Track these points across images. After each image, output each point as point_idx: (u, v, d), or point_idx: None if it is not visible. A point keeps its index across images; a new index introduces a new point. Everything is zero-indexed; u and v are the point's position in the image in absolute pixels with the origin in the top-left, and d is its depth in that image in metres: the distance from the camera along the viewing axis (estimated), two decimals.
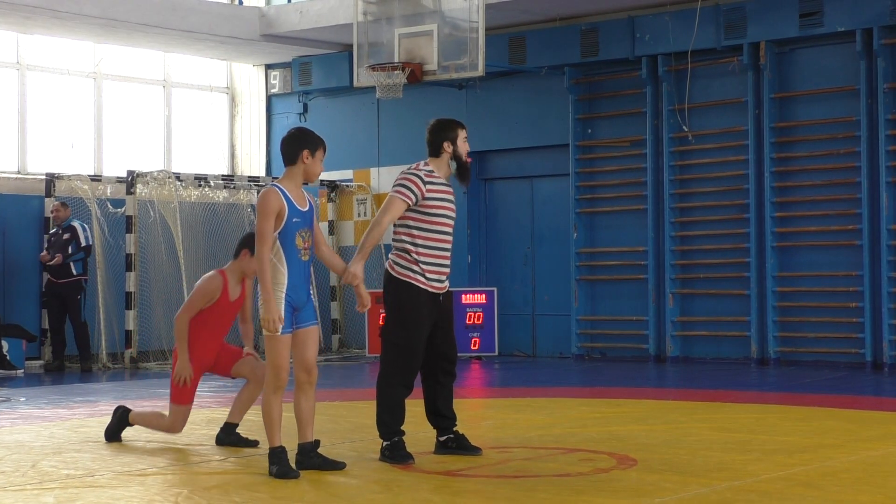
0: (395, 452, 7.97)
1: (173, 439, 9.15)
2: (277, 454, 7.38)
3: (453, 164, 8.36)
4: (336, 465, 7.54)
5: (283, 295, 7.25)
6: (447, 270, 8.19)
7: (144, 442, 9.07)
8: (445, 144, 8.38)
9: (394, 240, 8.20)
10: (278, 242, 7.24)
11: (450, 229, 8.19)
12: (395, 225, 8.17)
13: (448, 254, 8.18)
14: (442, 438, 8.29)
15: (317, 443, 7.64)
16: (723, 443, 8.75)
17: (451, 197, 8.27)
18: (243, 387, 8.94)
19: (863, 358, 14.76)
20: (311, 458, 7.52)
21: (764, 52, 15.45)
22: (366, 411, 11.27)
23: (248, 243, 8.46)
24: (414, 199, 8.03)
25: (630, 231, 16.73)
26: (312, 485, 7.26)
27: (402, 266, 8.13)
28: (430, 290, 8.04)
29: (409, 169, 8.28)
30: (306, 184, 7.55)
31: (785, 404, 11.25)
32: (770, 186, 15.52)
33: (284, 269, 7.27)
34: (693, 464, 7.79)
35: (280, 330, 7.22)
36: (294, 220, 7.28)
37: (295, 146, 7.41)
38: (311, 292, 7.65)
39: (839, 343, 15.16)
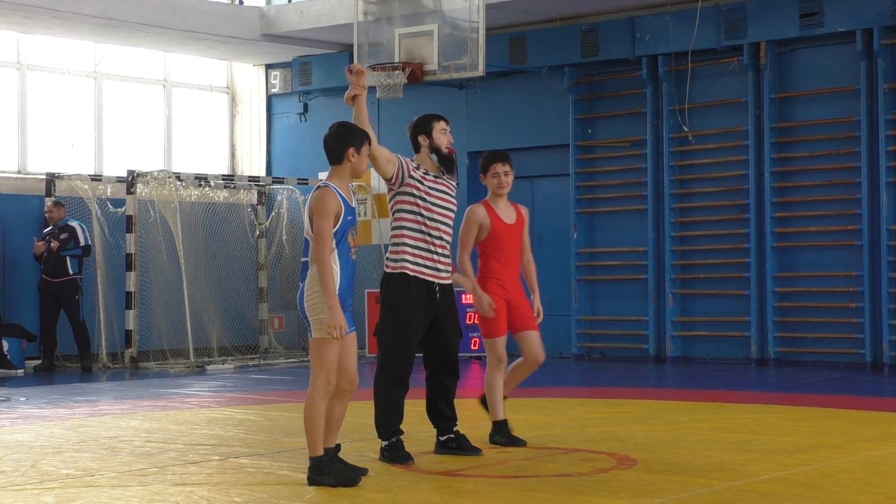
0: (393, 453, 7.97)
1: (172, 439, 9.15)
2: (323, 462, 7.09)
3: (434, 157, 8.28)
4: (357, 472, 7.25)
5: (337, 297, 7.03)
6: (444, 260, 8.19)
7: (143, 442, 9.08)
8: (421, 139, 8.39)
9: (391, 238, 8.27)
10: (332, 242, 7.07)
11: (445, 219, 8.20)
12: (392, 227, 8.23)
13: (443, 244, 8.18)
14: (442, 438, 8.29)
15: (338, 447, 7.50)
16: (723, 443, 8.76)
17: (443, 188, 8.24)
18: (514, 365, 8.86)
19: (863, 358, 14.76)
20: (334, 462, 7.23)
21: (764, 52, 15.46)
22: (365, 411, 11.27)
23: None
24: (399, 171, 8.12)
25: (630, 231, 16.73)
26: (310, 486, 7.26)
27: (392, 259, 8.23)
28: (420, 276, 8.06)
29: None
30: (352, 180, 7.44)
31: (785, 404, 11.25)
32: (770, 187, 15.53)
33: (338, 269, 7.10)
34: (693, 464, 7.81)
35: (343, 335, 6.96)
36: (348, 217, 7.16)
37: (340, 144, 7.26)
38: None
39: (839, 343, 15.17)
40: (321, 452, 7.06)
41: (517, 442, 8.48)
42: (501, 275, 8.66)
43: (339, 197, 7.09)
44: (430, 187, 8.16)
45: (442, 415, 8.26)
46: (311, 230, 7.08)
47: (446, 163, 8.35)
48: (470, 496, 6.79)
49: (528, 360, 8.77)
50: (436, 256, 8.15)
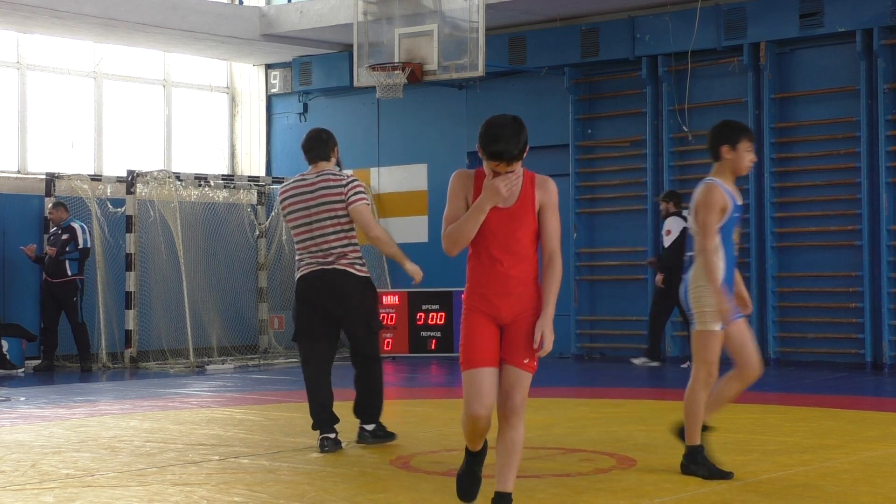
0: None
1: (172, 438, 9.16)
2: (698, 452, 7.18)
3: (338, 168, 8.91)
4: (727, 474, 7.16)
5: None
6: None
7: (143, 441, 9.09)
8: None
9: (342, 245, 8.55)
10: (717, 236, 7.26)
11: None
12: (338, 230, 8.51)
13: None
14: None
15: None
16: (722, 443, 8.74)
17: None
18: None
19: (863, 358, 14.77)
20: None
21: (764, 52, 15.47)
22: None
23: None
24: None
25: (630, 231, 16.74)
26: (310, 485, 7.27)
27: (360, 264, 8.71)
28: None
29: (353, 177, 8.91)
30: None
31: (784, 405, 11.27)
32: (770, 187, 15.54)
33: (721, 264, 7.27)
34: None
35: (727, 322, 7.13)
36: (734, 214, 7.36)
37: (714, 141, 7.51)
38: None
39: (839, 343, 15.17)
40: (698, 442, 7.20)
41: None
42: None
43: (726, 193, 7.36)
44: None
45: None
46: (696, 224, 7.34)
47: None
48: None
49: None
50: None
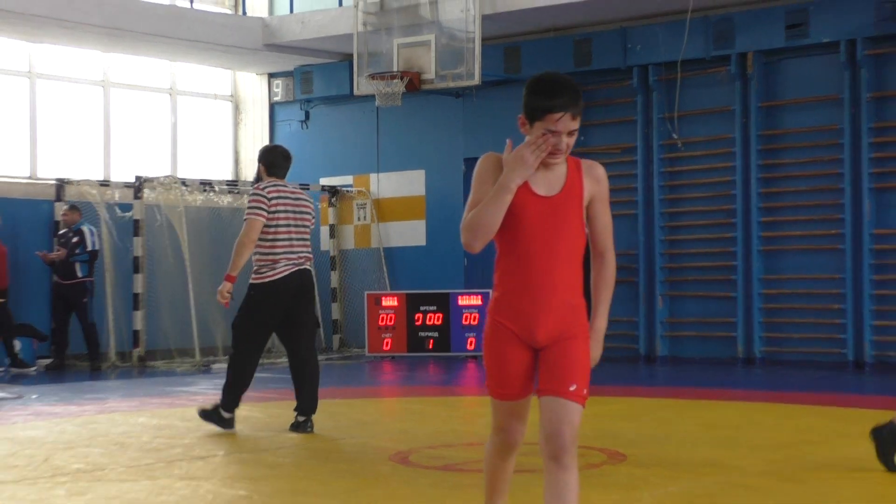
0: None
1: (179, 435, 9.19)
2: None
3: None
4: None
5: None
6: None
7: (151, 437, 9.11)
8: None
9: (307, 252, 9.47)
10: None
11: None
12: (306, 238, 9.43)
13: None
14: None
15: None
16: (709, 439, 8.81)
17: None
18: None
19: (845, 357, 14.82)
20: None
21: (751, 62, 15.52)
22: (366, 408, 11.34)
23: None
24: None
25: (621, 235, 16.69)
26: (311, 480, 7.31)
27: (309, 269, 9.72)
28: None
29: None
30: None
31: (770, 402, 11.29)
32: (756, 192, 15.59)
33: None
34: (681, 459, 7.85)
35: None
36: None
37: None
38: None
39: (822, 343, 15.22)
40: None
41: None
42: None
43: None
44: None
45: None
46: None
47: None
48: (467, 489, 6.82)
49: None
50: None
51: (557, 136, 4.22)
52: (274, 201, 9.20)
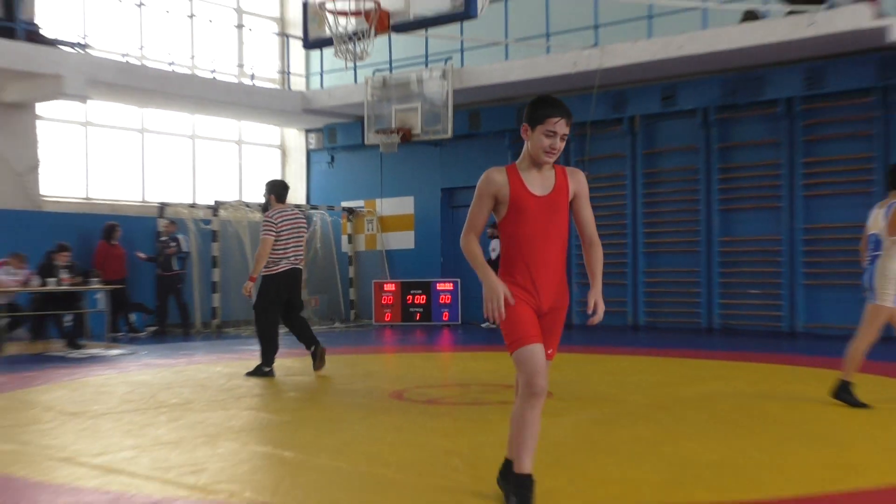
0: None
1: (243, 380, 9.16)
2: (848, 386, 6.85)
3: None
4: None
5: None
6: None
7: (225, 381, 9.09)
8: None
9: (302, 255, 9.55)
10: None
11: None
12: (301, 245, 9.56)
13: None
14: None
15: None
16: (609, 381, 8.84)
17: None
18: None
19: (702, 324, 14.89)
20: None
21: (638, 122, 15.58)
22: (373, 361, 11.35)
23: None
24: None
25: None
26: (334, 409, 7.26)
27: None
28: None
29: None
30: None
31: (650, 356, 11.30)
32: (641, 212, 15.66)
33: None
34: (590, 395, 7.88)
35: None
36: None
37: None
38: None
39: (686, 315, 15.27)
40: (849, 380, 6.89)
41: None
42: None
43: None
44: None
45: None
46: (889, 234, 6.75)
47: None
48: (444, 418, 6.85)
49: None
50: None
51: (553, 137, 4.01)
52: (280, 224, 9.38)
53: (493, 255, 14.92)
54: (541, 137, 4.03)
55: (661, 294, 15.56)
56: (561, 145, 3.99)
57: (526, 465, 4.03)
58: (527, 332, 3.97)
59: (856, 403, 6.89)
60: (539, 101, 4.06)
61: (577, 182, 4.14)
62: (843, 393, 6.95)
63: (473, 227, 4.10)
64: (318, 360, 9.53)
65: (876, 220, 6.94)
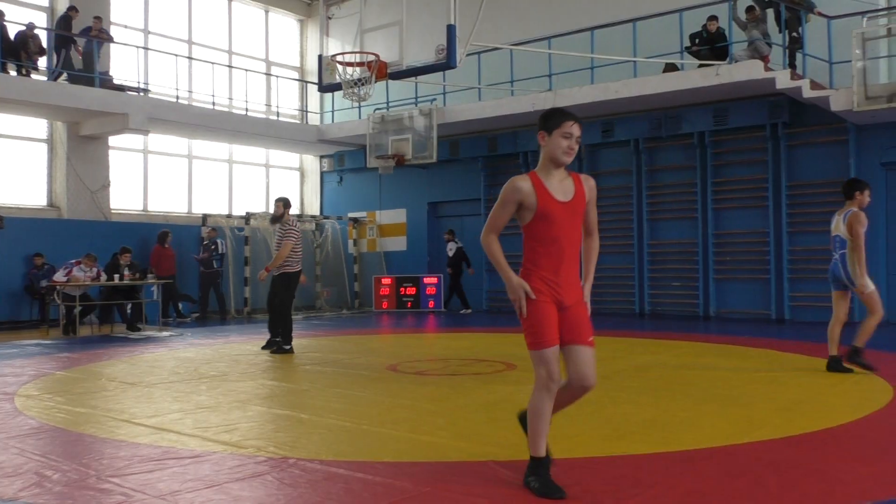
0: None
1: (270, 356, 9.07)
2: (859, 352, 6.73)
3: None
4: None
5: None
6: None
7: (254, 356, 9.01)
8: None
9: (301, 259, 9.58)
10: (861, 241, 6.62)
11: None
12: (301, 250, 9.51)
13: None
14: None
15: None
16: None
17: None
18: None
19: (636, 310, 14.87)
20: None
21: (584, 150, 15.56)
22: (372, 340, 11.28)
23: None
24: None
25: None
26: (342, 379, 7.18)
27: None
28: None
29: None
30: None
31: (596, 336, 11.21)
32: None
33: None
34: None
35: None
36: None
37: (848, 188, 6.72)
38: None
39: (622, 303, 15.20)
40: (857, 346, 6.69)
41: (554, 491, 3.58)
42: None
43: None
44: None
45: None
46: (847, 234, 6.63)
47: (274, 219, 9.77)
48: (430, 386, 6.81)
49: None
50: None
51: (570, 139, 3.62)
52: (298, 231, 9.38)
53: (451, 254, 14.96)
54: (559, 140, 3.64)
55: (603, 286, 15.54)
56: (576, 147, 3.63)
57: (541, 449, 3.65)
58: (547, 335, 3.58)
59: (865, 365, 6.80)
60: (553, 111, 3.69)
61: (591, 188, 3.76)
62: (855, 356, 6.86)
63: (495, 228, 3.72)
64: (270, 346, 9.43)
65: (837, 225, 6.96)
